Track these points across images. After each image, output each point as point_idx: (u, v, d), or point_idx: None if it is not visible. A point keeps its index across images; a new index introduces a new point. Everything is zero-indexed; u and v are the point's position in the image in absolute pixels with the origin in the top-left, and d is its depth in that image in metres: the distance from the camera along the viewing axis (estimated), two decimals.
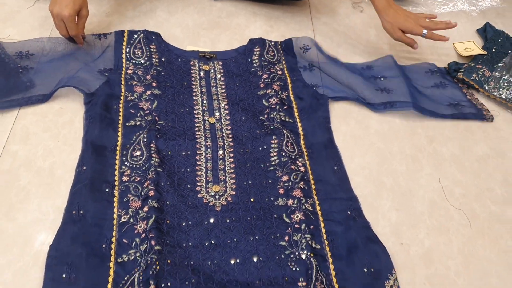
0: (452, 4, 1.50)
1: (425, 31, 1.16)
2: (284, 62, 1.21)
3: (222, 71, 1.15)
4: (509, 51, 1.31)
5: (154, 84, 1.07)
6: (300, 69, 1.19)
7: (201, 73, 1.14)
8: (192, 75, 1.13)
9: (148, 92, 1.05)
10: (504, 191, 1.05)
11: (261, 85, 1.13)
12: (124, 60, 1.11)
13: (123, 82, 1.07)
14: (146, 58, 1.12)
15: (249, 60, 1.19)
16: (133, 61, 1.11)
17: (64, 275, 0.76)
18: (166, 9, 1.32)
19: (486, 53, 1.32)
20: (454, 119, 1.17)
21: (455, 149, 1.11)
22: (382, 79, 1.19)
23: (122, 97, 1.04)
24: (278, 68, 1.18)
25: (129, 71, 1.09)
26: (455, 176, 1.06)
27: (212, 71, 1.15)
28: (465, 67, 1.27)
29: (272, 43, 1.23)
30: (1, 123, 1.00)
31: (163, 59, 1.14)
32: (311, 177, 0.98)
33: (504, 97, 1.21)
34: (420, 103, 1.15)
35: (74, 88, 1.04)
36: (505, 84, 1.22)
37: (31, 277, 0.79)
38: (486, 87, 1.23)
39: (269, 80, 1.13)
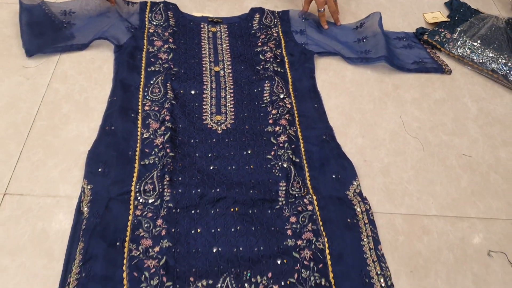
0: None
1: (322, 9, 1.43)
2: (279, 26, 1.44)
3: (227, 32, 1.40)
4: (469, 18, 1.54)
5: (170, 40, 1.32)
6: (293, 32, 1.43)
7: (209, 33, 1.38)
8: (202, 35, 1.38)
9: (166, 46, 1.30)
10: (454, 125, 1.27)
11: (259, 43, 1.37)
12: (146, 22, 1.36)
13: (145, 38, 1.31)
14: (164, 21, 1.38)
15: (249, 24, 1.43)
16: (154, 23, 1.36)
17: (100, 169, 1.00)
18: None
19: (449, 20, 1.54)
20: (418, 72, 1.39)
21: (416, 94, 1.33)
22: (364, 40, 1.41)
23: (144, 49, 1.28)
24: (274, 31, 1.41)
25: (151, 30, 1.33)
26: (414, 114, 1.28)
27: (219, 32, 1.39)
28: (429, 31, 1.50)
29: (270, 11, 1.48)
30: (44, 68, 1.24)
31: (178, 22, 1.39)
32: (295, 112, 1.21)
33: (461, 54, 1.43)
34: (392, 57, 1.37)
35: (106, 40, 1.28)
36: (462, 44, 1.44)
37: (73, 174, 1.03)
38: (446, 47, 1.45)
39: (266, 39, 1.37)
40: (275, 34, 1.41)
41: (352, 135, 1.19)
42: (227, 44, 1.36)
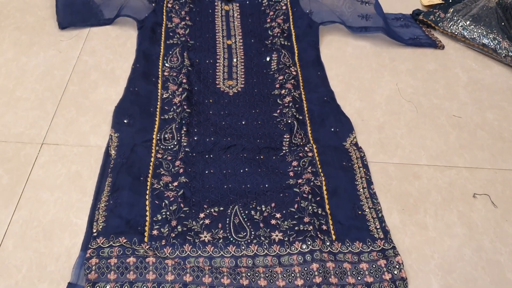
0: None
1: None
2: None
3: (239, 11, 1.52)
4: (462, 0, 1.66)
5: (187, 18, 1.46)
6: (300, 0, 1.53)
7: (223, 12, 1.51)
8: (216, 13, 1.51)
9: (183, 23, 1.44)
10: (446, 91, 1.38)
11: (268, 20, 1.50)
12: None
13: (164, 13, 1.45)
14: None
15: (260, 0, 1.54)
16: None
17: (125, 121, 1.15)
18: None
19: (444, 2, 1.67)
20: (413, 46, 1.51)
21: (411, 65, 1.45)
22: (367, 4, 1.52)
23: (163, 24, 1.43)
24: (282, 4, 1.52)
25: (169, 5, 1.47)
26: (408, 82, 1.40)
27: (231, 11, 1.52)
28: (425, 11, 1.62)
29: None
30: (74, 43, 1.39)
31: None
32: (300, 77, 1.34)
33: (453, 31, 1.55)
34: (389, 30, 1.49)
35: (129, 17, 1.43)
36: (455, 23, 1.56)
37: (102, 128, 1.17)
38: (440, 25, 1.58)
39: (274, 16, 1.50)
40: (284, 7, 1.51)
41: (351, 99, 1.31)
42: (239, 22, 1.49)
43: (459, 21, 1.55)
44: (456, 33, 1.54)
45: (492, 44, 1.49)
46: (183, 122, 1.14)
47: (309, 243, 0.95)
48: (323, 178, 1.07)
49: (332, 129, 1.19)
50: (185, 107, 1.18)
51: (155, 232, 0.95)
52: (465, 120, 1.30)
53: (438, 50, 1.52)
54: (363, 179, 1.09)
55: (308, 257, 0.92)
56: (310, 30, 1.47)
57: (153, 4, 1.46)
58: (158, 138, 1.12)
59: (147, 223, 0.95)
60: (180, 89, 1.23)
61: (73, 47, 1.37)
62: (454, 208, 1.08)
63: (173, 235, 0.93)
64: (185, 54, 1.33)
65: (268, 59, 1.38)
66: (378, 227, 1.00)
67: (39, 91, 1.23)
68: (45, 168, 1.07)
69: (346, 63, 1.43)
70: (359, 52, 1.47)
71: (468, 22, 1.54)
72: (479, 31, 1.51)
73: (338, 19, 1.50)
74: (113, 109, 1.18)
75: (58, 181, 1.05)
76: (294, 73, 1.32)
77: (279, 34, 1.43)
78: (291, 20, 1.50)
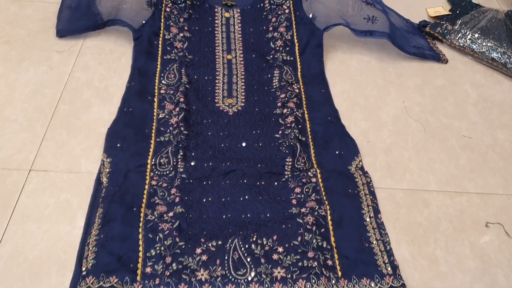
0: None
1: None
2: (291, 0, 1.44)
3: (240, 18, 1.44)
4: (470, 12, 1.60)
5: (186, 27, 1.38)
6: (303, 0, 1.41)
7: (223, 20, 1.43)
8: (216, 21, 1.43)
9: (181, 34, 1.36)
10: (455, 109, 1.32)
11: (270, 28, 1.42)
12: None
13: (162, 20, 1.37)
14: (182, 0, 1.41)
15: (261, 4, 1.44)
16: (172, 0, 1.40)
17: (118, 144, 1.08)
18: None
19: (451, 13, 1.61)
20: (417, 57, 1.45)
21: (418, 81, 1.39)
22: (371, 6, 1.42)
23: (161, 35, 1.35)
24: (285, 7, 1.43)
25: (168, 9, 1.37)
26: (416, 99, 1.34)
27: (232, 18, 1.44)
28: (432, 23, 1.56)
29: None
30: (67, 59, 1.32)
31: (194, 2, 1.41)
32: (303, 95, 1.27)
33: (461, 44, 1.49)
34: (394, 36, 1.42)
35: (126, 25, 1.35)
36: (463, 35, 1.50)
37: (95, 152, 1.11)
38: (448, 38, 1.52)
39: (277, 23, 1.42)
40: (287, 11, 1.42)
41: (356, 119, 1.25)
42: (240, 33, 1.41)
43: (467, 33, 1.49)
44: (464, 47, 1.48)
45: (502, 58, 1.43)
46: (180, 145, 1.09)
47: (313, 281, 0.89)
48: (327, 207, 1.01)
49: (337, 152, 1.13)
50: (182, 128, 1.12)
51: (148, 269, 0.88)
52: (475, 141, 1.24)
53: (446, 65, 1.46)
54: (369, 207, 1.03)
55: None
56: (314, 39, 1.38)
57: (152, 8, 1.37)
58: (153, 163, 1.06)
59: (140, 259, 0.89)
60: (177, 109, 1.17)
61: (65, 62, 1.31)
62: (465, 239, 1.03)
63: (168, 273, 0.87)
64: (182, 70, 1.27)
65: (269, 75, 1.31)
66: (386, 261, 0.94)
67: (28, 111, 1.17)
68: (32, 197, 1.01)
69: (350, 79, 1.37)
70: (364, 67, 1.41)
71: (476, 35, 1.48)
72: (488, 44, 1.45)
73: (342, 20, 1.41)
74: (105, 131, 1.12)
75: (46, 212, 0.99)
76: (297, 90, 1.26)
77: (281, 48, 1.37)
78: (294, 27, 1.41)
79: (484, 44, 1.46)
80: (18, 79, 1.25)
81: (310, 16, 1.42)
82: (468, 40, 1.48)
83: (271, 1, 1.45)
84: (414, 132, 1.24)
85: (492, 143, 1.24)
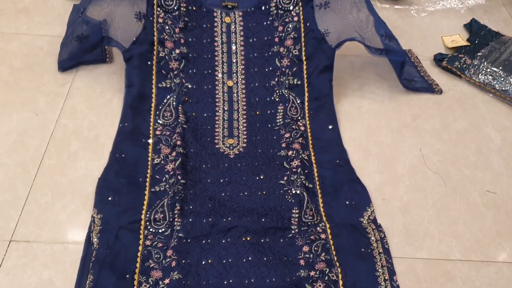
0: (442, 3, 1.67)
1: None
2: (300, 5, 1.25)
3: (242, 24, 1.28)
4: (490, 42, 1.48)
5: (182, 41, 1.23)
6: (315, 7, 1.24)
7: (223, 27, 1.28)
8: (215, 29, 1.26)
9: (177, 51, 1.22)
10: (477, 158, 1.21)
11: (276, 39, 1.25)
12: (155, 7, 1.21)
13: (155, 34, 1.20)
14: (175, 7, 1.22)
15: (267, 6, 1.26)
16: (164, 9, 1.21)
17: (110, 198, 1.00)
18: None
19: (469, 44, 1.49)
20: (408, 90, 1.36)
21: (436, 124, 1.29)
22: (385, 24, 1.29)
23: (155, 53, 1.21)
24: (294, 14, 1.25)
25: (160, 20, 1.21)
26: (434, 146, 1.23)
27: (233, 24, 1.28)
28: (449, 57, 1.45)
29: None
30: (53, 102, 1.22)
31: (189, 7, 1.24)
32: (309, 133, 1.18)
33: (482, 81, 1.38)
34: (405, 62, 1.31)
35: (115, 46, 1.22)
36: (483, 70, 1.39)
37: (82, 217, 1.00)
38: (467, 73, 1.40)
39: (284, 33, 1.26)
40: (296, 18, 1.25)
41: (370, 171, 1.15)
42: (242, 43, 1.26)
43: (488, 69, 1.39)
44: (485, 84, 1.37)
45: None
46: (177, 197, 1.00)
47: None
48: (339, 270, 0.92)
49: (347, 202, 1.05)
50: (179, 177, 1.03)
51: None
52: (501, 196, 1.14)
53: (466, 104, 1.35)
54: (384, 268, 0.95)
55: None
56: (325, 58, 1.24)
57: (142, 21, 1.22)
58: (147, 218, 0.98)
59: None
60: (174, 153, 1.08)
61: (52, 107, 1.21)
62: None
63: None
64: (179, 108, 1.17)
65: (272, 111, 1.22)
66: None
67: (10, 168, 1.07)
68: (12, 275, 0.91)
69: (362, 123, 1.26)
70: (377, 108, 1.30)
71: (498, 70, 1.37)
72: (511, 81, 1.34)
73: (357, 34, 1.26)
74: (94, 190, 1.03)
75: None
76: (302, 128, 1.18)
77: (287, 70, 1.24)
78: (302, 41, 1.25)
79: (507, 81, 1.35)
80: (0, 128, 1.14)
81: (322, 31, 1.26)
82: (489, 77, 1.37)
83: (278, 4, 1.27)
84: (433, 187, 1.14)
85: None
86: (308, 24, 1.25)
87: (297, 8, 1.25)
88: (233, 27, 1.28)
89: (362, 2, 1.24)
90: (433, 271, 0.99)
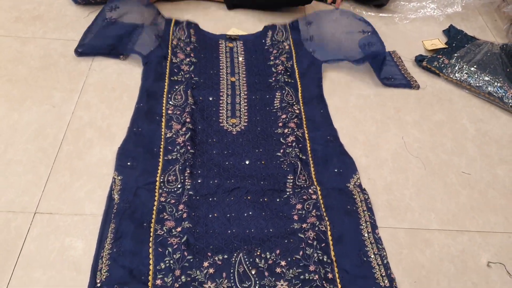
0: (422, 11, 1.83)
1: None
2: (291, 38, 1.57)
3: (243, 47, 1.53)
4: (466, 45, 1.63)
5: (192, 54, 1.46)
6: (304, 41, 1.56)
7: (227, 48, 1.52)
8: (220, 50, 1.51)
9: (188, 59, 1.44)
10: (454, 145, 1.34)
11: (271, 58, 1.51)
12: (170, 33, 1.51)
13: (169, 49, 1.46)
14: (186, 37, 1.51)
15: (263, 41, 1.56)
16: (177, 37, 1.50)
17: (128, 163, 1.14)
18: (191, 17, 1.65)
19: (447, 47, 1.63)
20: (388, 87, 1.50)
21: (417, 116, 1.41)
22: (367, 33, 1.53)
23: (168, 59, 1.43)
24: (286, 45, 1.54)
25: (174, 42, 1.48)
26: (415, 135, 1.35)
27: (235, 48, 1.53)
28: (428, 57, 1.59)
29: (282, 25, 1.61)
30: (68, 97, 1.33)
31: (199, 38, 1.53)
32: (303, 116, 1.33)
33: (458, 78, 1.52)
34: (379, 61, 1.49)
35: (135, 53, 1.44)
36: (459, 69, 1.53)
37: (98, 194, 1.11)
38: (445, 72, 1.54)
39: (278, 54, 1.51)
40: (287, 47, 1.54)
41: (357, 155, 1.26)
42: (243, 58, 1.49)
43: (464, 67, 1.52)
44: (461, 81, 1.51)
45: (498, 92, 1.46)
46: (187, 163, 1.14)
47: None
48: (328, 223, 1.06)
49: (336, 170, 1.18)
50: (188, 147, 1.17)
51: (158, 281, 0.93)
52: (475, 177, 1.25)
53: (444, 99, 1.48)
54: (367, 223, 1.08)
55: None
56: (313, 67, 1.47)
57: (159, 40, 1.47)
58: (161, 180, 1.12)
59: (150, 272, 0.95)
60: (184, 129, 1.23)
61: (67, 101, 1.32)
62: (468, 280, 1.04)
63: (177, 286, 0.92)
64: (189, 92, 1.33)
65: (271, 96, 1.38)
66: (383, 274, 0.99)
67: (31, 153, 1.18)
68: (37, 242, 1.01)
69: (350, 116, 1.39)
70: (363, 103, 1.43)
71: (473, 69, 1.51)
72: (485, 78, 1.48)
73: (342, 56, 1.50)
74: (108, 172, 1.14)
75: (51, 257, 0.99)
76: (297, 111, 1.32)
77: (282, 72, 1.43)
78: (294, 59, 1.50)
79: (480, 78, 1.48)
80: (20, 119, 1.26)
81: (310, 50, 1.51)
82: (465, 74, 1.51)
83: (273, 38, 1.54)
84: (414, 169, 1.25)
85: (491, 179, 1.25)
86: (298, 50, 1.52)
87: (287, 41, 1.55)
88: (235, 48, 1.52)
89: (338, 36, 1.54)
90: (413, 238, 1.10)
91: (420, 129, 1.37)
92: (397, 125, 1.38)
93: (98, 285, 0.91)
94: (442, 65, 1.54)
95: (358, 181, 1.16)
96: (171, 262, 0.96)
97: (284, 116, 1.30)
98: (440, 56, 1.57)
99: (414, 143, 1.33)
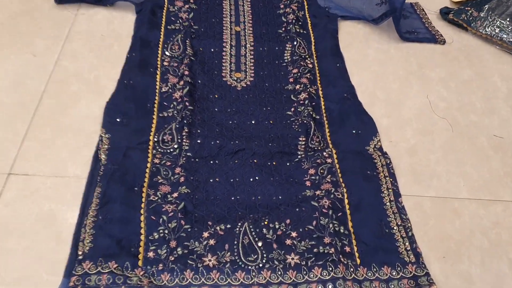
0: None
1: None
2: None
3: None
4: None
5: (191, 0, 1.30)
6: None
7: None
8: None
9: (186, 6, 1.28)
10: (484, 105, 1.20)
11: (281, 6, 1.35)
12: None
13: None
14: None
15: None
16: None
17: (118, 119, 1.00)
18: None
19: None
20: (411, 42, 1.35)
21: (443, 73, 1.27)
22: None
23: (165, 8, 1.27)
24: None
25: None
26: (441, 93, 1.22)
27: None
28: (455, 10, 1.42)
29: None
30: (52, 45, 1.18)
31: None
32: (317, 70, 1.19)
33: (489, 33, 1.36)
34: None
35: (126, 1, 1.27)
36: (490, 23, 1.37)
37: (82, 155, 0.97)
38: (473, 26, 1.38)
39: (288, 2, 1.35)
40: None
41: (377, 115, 1.13)
42: (249, 5, 1.34)
43: (495, 21, 1.36)
44: (492, 35, 1.35)
45: None
46: (185, 121, 1.01)
47: (330, 269, 0.82)
48: (344, 190, 0.95)
49: (354, 131, 1.06)
50: (186, 103, 1.05)
51: (151, 254, 0.82)
52: (508, 140, 1.13)
53: (472, 56, 1.34)
54: (389, 190, 0.96)
55: (330, 286, 0.80)
56: (328, 20, 1.33)
57: None
58: (155, 140, 0.99)
59: (141, 243, 0.83)
60: (182, 82, 1.09)
61: (51, 49, 1.17)
62: (503, 255, 0.92)
63: (172, 259, 0.81)
64: (187, 41, 1.19)
65: (280, 48, 1.24)
66: (408, 248, 0.88)
67: (8, 106, 1.04)
68: (11, 207, 0.88)
69: (369, 70, 1.25)
70: (383, 57, 1.29)
71: (505, 22, 1.34)
72: None
73: (357, 14, 1.36)
74: (96, 129, 1.00)
75: (27, 224, 0.86)
76: (310, 65, 1.19)
77: (294, 21, 1.29)
78: (306, 9, 1.35)
79: None
80: None
81: (324, 6, 1.36)
82: (496, 28, 1.35)
83: None
84: (440, 131, 1.13)
85: None
86: (310, 2, 1.37)
87: None
88: None
89: None
90: (441, 208, 0.98)
91: (446, 87, 1.23)
92: (421, 82, 1.24)
93: (80, 257, 0.79)
94: (471, 18, 1.39)
95: (379, 143, 1.04)
96: (166, 232, 0.85)
97: (295, 70, 1.16)
98: (468, 8, 1.41)
99: (440, 102, 1.19)
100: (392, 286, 0.83)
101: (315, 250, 0.85)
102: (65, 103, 1.06)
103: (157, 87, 1.09)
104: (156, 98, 1.06)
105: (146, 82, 1.09)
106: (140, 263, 0.80)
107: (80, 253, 0.80)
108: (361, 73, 1.23)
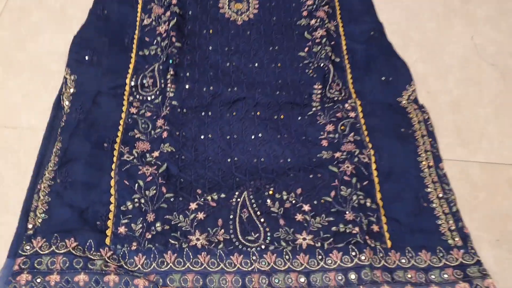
0: None
1: None
2: None
3: None
4: None
5: None
6: None
7: None
8: None
9: None
10: None
11: None
12: None
13: None
14: None
15: None
16: None
17: (86, 57, 0.87)
18: None
19: None
20: None
21: (491, 10, 1.10)
22: None
23: None
24: None
25: None
26: (489, 35, 1.05)
27: None
28: None
29: None
30: None
31: None
32: (336, 2, 1.03)
33: None
34: None
35: None
36: None
37: (42, 99, 0.83)
38: None
39: None
40: None
41: (411, 60, 0.98)
42: None
43: None
44: None
45: None
46: (170, 61, 0.88)
47: (353, 253, 0.70)
48: (371, 152, 0.82)
49: (383, 78, 0.92)
50: (173, 39, 0.91)
51: (122, 229, 0.70)
52: None
53: None
54: (428, 153, 0.82)
55: (353, 276, 0.68)
56: None
57: None
58: (133, 84, 0.86)
59: (110, 215, 0.71)
60: (168, 13, 0.95)
61: None
62: None
63: (149, 236, 0.70)
64: None
65: None
66: (452, 228, 0.75)
67: None
68: None
69: (400, 6, 1.09)
70: None
71: None
72: None
73: None
74: (59, 69, 0.88)
75: None
76: None
77: None
78: None
79: None
80: None
81: None
82: None
83: None
84: (490, 81, 0.97)
85: None
86: None
87: None
88: None
89: None
90: (493, 177, 0.84)
91: (496, 27, 1.06)
92: (465, 21, 1.08)
93: (30, 231, 0.67)
94: None
95: (414, 94, 0.89)
96: (142, 201, 0.73)
97: (310, 1, 1.01)
98: None
99: (489, 46, 1.03)
100: (433, 276, 0.69)
101: (333, 228, 0.73)
102: (22, 35, 0.94)
103: (138, 18, 0.95)
104: (136, 32, 0.93)
105: (124, 12, 0.96)
106: (107, 241, 0.68)
107: (30, 226, 0.68)
108: (391, 9, 1.07)
